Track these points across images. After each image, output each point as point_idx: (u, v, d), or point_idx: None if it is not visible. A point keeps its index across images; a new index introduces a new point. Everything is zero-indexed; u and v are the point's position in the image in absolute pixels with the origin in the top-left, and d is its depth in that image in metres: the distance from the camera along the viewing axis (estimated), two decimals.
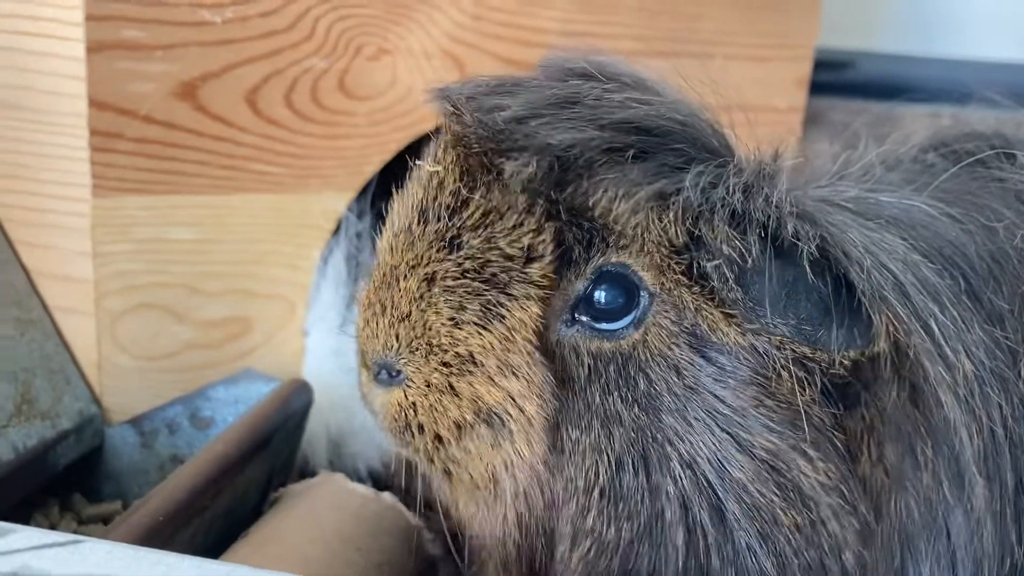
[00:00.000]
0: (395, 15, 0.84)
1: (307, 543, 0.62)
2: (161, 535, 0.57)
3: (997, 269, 0.46)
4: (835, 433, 0.44)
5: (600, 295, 0.46)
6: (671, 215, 0.44)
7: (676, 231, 0.44)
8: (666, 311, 0.45)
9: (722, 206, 0.43)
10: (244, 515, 0.70)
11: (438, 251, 0.47)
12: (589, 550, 0.44)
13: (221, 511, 0.66)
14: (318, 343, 0.87)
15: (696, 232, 0.44)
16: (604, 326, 0.46)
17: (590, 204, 0.45)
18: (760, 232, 0.43)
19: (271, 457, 0.71)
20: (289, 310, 0.86)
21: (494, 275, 0.46)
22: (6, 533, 0.42)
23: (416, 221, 0.47)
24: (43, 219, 0.77)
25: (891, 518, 0.43)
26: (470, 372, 0.46)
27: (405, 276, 0.47)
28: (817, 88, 1.46)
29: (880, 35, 1.54)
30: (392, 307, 0.47)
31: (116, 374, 0.79)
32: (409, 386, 0.47)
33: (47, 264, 0.78)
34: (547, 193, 0.45)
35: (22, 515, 0.73)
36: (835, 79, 1.48)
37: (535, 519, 0.46)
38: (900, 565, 0.43)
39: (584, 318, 0.46)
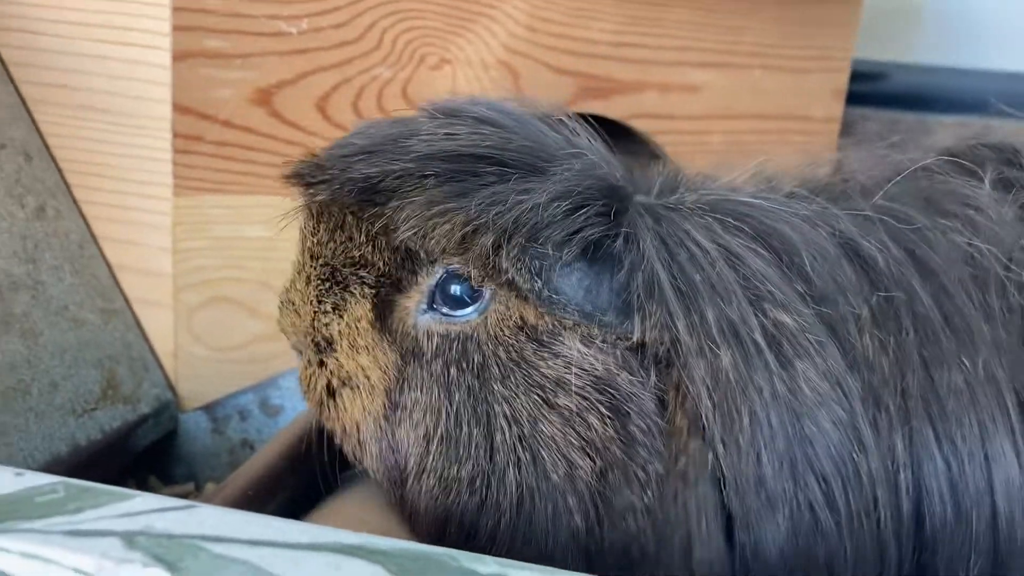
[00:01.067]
0: (456, 27, 0.88)
1: (364, 512, 0.66)
2: (248, 510, 0.61)
3: (836, 249, 0.53)
4: (643, 394, 0.52)
5: (448, 288, 0.55)
6: (450, 230, 0.52)
7: (460, 244, 0.52)
8: (500, 301, 0.54)
9: (504, 220, 0.51)
10: (315, 496, 0.73)
11: (310, 261, 0.58)
12: (434, 485, 0.55)
13: (296, 491, 0.70)
14: None
15: (482, 243, 0.51)
16: (452, 313, 0.55)
17: (392, 223, 0.53)
18: (542, 239, 0.50)
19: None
20: None
21: (339, 278, 0.57)
22: (129, 497, 0.46)
23: (302, 239, 0.59)
24: (126, 216, 0.81)
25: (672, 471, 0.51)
26: (332, 350, 0.58)
27: (297, 280, 0.60)
28: (851, 98, 1.49)
29: (914, 47, 1.57)
30: (287, 303, 0.60)
31: (191, 363, 0.83)
32: (304, 360, 0.60)
33: (129, 259, 0.82)
34: (359, 215, 0.55)
35: None
36: (869, 89, 1.50)
37: (386, 459, 0.57)
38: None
39: (438, 307, 0.55)
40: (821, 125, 1.18)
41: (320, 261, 0.58)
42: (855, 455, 0.49)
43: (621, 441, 0.52)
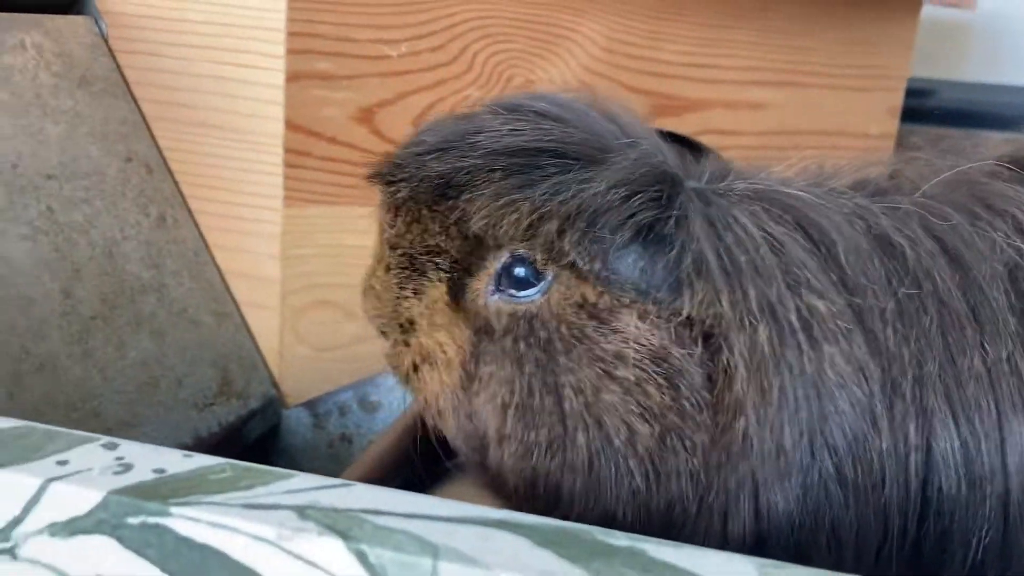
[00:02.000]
0: (540, 49, 0.93)
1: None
2: None
3: (867, 241, 0.56)
4: (695, 368, 0.56)
5: (513, 271, 0.59)
6: (517, 219, 0.56)
7: (541, 232, 0.55)
8: (561, 282, 0.58)
9: (563, 206, 0.55)
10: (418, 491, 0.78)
11: (388, 250, 0.63)
12: (516, 449, 0.59)
13: (400, 485, 0.75)
14: None
15: (545, 228, 0.55)
16: (517, 293, 0.59)
17: (464, 214, 0.58)
18: (600, 223, 0.54)
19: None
20: None
21: (416, 265, 0.62)
22: (290, 476, 0.51)
23: (380, 231, 0.64)
24: (238, 226, 0.86)
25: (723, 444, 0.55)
26: (414, 330, 0.63)
27: (377, 267, 0.65)
28: (904, 113, 1.53)
29: (961, 64, 1.60)
30: (371, 288, 0.65)
31: (294, 362, 0.89)
32: (389, 341, 0.65)
33: (239, 265, 0.87)
34: (434, 208, 0.59)
35: None
36: (917, 106, 1.53)
37: (464, 428, 0.62)
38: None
39: (504, 288, 0.59)
40: (877, 142, 1.22)
41: (399, 251, 0.62)
42: (869, 435, 0.53)
43: (675, 410, 0.56)
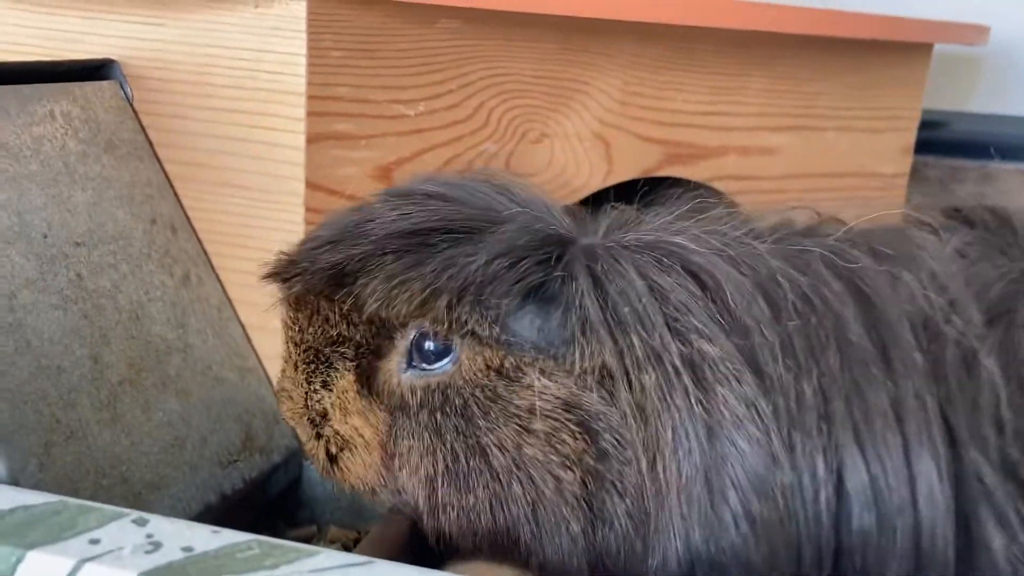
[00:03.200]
0: (554, 104, 0.94)
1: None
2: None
3: (754, 283, 0.58)
4: (604, 411, 0.58)
5: (422, 346, 0.61)
6: (410, 295, 0.58)
7: (419, 307, 0.58)
8: (467, 349, 0.60)
9: (455, 279, 0.57)
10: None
11: (294, 349, 0.65)
12: (457, 515, 0.61)
13: (425, 554, 0.75)
14: None
15: (438, 302, 0.58)
16: (429, 367, 0.62)
17: (360, 300, 0.60)
18: (492, 290, 0.57)
19: None
20: None
21: (322, 357, 0.64)
22: (314, 554, 0.52)
23: (285, 331, 0.66)
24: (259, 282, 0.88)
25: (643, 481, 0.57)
26: (328, 421, 0.65)
27: (287, 367, 0.66)
28: (918, 145, 1.53)
29: (972, 97, 1.60)
30: (283, 391, 0.67)
31: None
32: (304, 438, 0.67)
33: (262, 319, 0.89)
34: (332, 298, 0.62)
35: None
36: (930, 138, 1.54)
37: (396, 501, 0.64)
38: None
39: (416, 364, 0.62)
40: (890, 180, 1.23)
41: (303, 347, 0.64)
42: (770, 471, 0.55)
43: (593, 453, 0.58)
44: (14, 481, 0.61)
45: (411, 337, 0.62)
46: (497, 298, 0.57)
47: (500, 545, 0.62)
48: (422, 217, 0.61)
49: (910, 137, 1.23)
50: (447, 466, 0.61)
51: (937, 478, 0.55)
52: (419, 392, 0.62)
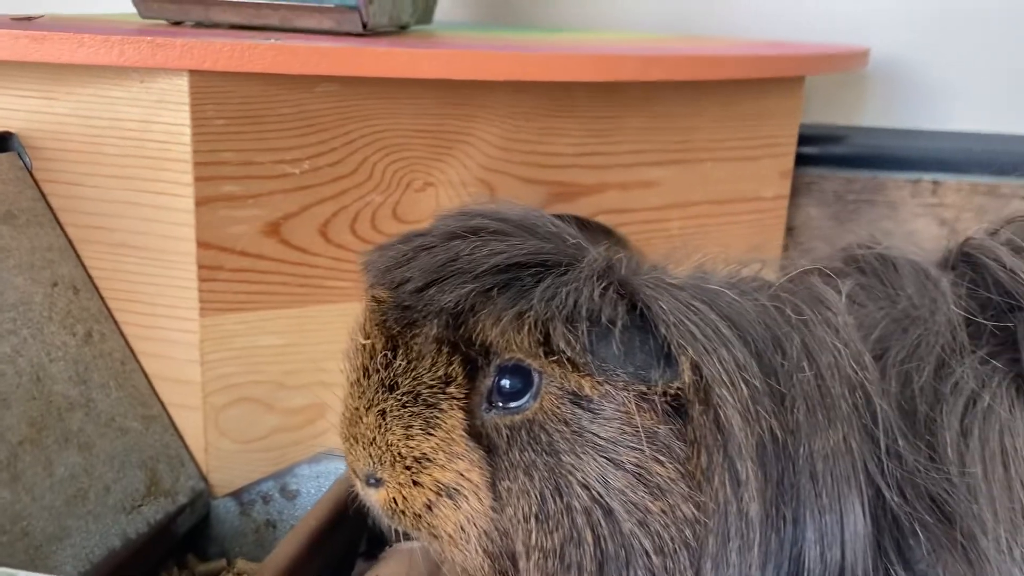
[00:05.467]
0: (436, 154, 1.00)
1: None
2: None
3: (767, 331, 0.62)
4: (676, 442, 0.61)
5: (504, 384, 0.62)
6: (527, 327, 0.59)
7: (534, 336, 0.59)
8: (551, 382, 0.61)
9: (559, 308, 0.59)
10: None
11: (382, 393, 0.63)
12: (539, 558, 0.61)
13: (319, 566, 0.81)
14: None
15: (547, 330, 0.59)
16: (511, 405, 0.62)
17: (476, 334, 0.61)
18: (589, 317, 0.59)
19: (351, 526, 0.86)
20: None
21: (426, 399, 0.63)
22: None
23: (363, 375, 0.65)
24: (160, 335, 0.93)
25: (706, 510, 0.59)
26: (427, 466, 0.63)
27: (365, 414, 0.64)
28: (811, 160, 1.60)
29: (865, 112, 1.67)
30: (362, 436, 0.64)
31: (219, 456, 0.95)
32: (389, 486, 0.64)
33: (163, 369, 0.94)
34: (448, 338, 0.62)
35: (150, 574, 0.89)
36: (827, 152, 1.61)
37: (496, 548, 0.63)
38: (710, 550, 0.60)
39: (497, 403, 0.62)
40: (771, 203, 1.29)
41: (401, 390, 0.63)
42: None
43: (674, 482, 0.60)
44: None
45: (492, 377, 0.62)
46: (592, 323, 0.59)
47: None
48: (511, 253, 0.62)
49: (788, 162, 1.29)
50: (538, 507, 0.61)
51: (862, 515, 0.59)
52: (504, 431, 0.62)
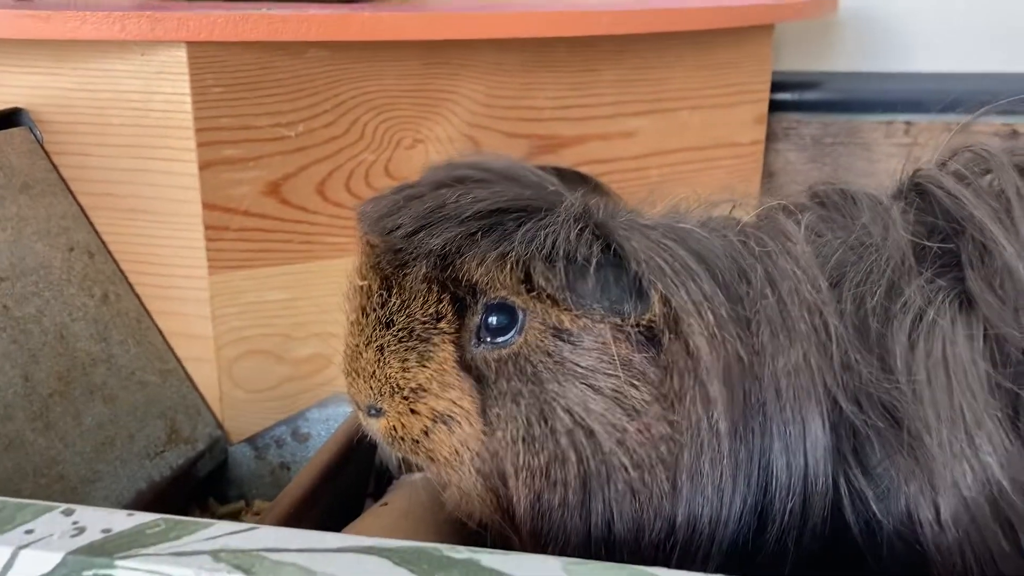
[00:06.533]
0: (424, 112, 1.05)
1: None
2: (293, 525, 0.78)
3: (734, 263, 0.66)
4: (650, 368, 0.65)
5: (491, 321, 0.67)
6: (509, 266, 0.64)
7: (516, 275, 0.65)
8: (534, 318, 0.66)
9: (539, 249, 0.64)
10: (343, 513, 0.91)
11: (380, 330, 0.68)
12: (527, 476, 0.66)
13: (327, 509, 0.87)
14: None
15: (528, 269, 0.64)
16: (499, 339, 0.67)
17: (464, 274, 0.66)
18: (566, 256, 0.63)
19: (361, 462, 0.93)
20: None
21: (419, 334, 0.68)
22: (209, 525, 0.63)
23: (361, 314, 0.70)
24: (172, 294, 0.98)
25: (679, 428, 0.64)
26: (423, 395, 0.68)
27: (364, 350, 0.69)
28: (788, 106, 1.65)
29: (838, 57, 1.71)
30: (363, 370, 0.69)
31: (234, 405, 1.01)
32: (388, 415, 0.69)
33: (177, 326, 1.00)
34: (437, 277, 0.67)
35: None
36: (803, 98, 1.66)
37: (488, 468, 0.68)
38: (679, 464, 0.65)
39: (486, 338, 0.67)
40: (747, 148, 1.34)
41: (397, 327, 0.68)
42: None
43: (648, 404, 0.65)
44: None
45: (479, 315, 0.67)
46: (570, 262, 0.63)
47: (551, 511, 0.66)
48: (494, 200, 0.66)
49: (762, 108, 1.34)
50: (525, 431, 0.65)
51: (821, 425, 0.64)
52: (493, 364, 0.67)
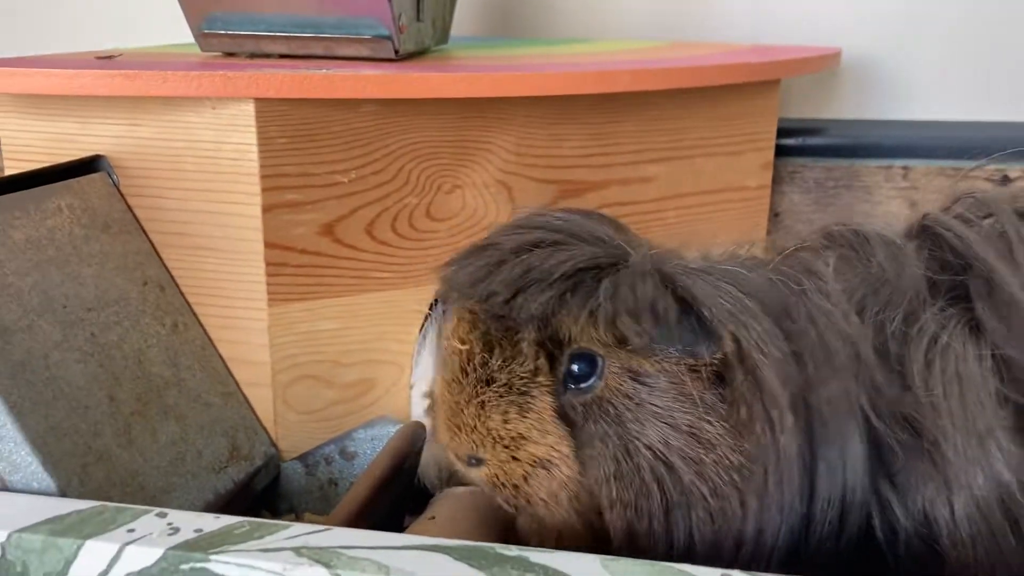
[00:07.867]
0: (462, 160, 1.14)
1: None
2: None
3: (779, 302, 0.72)
4: (719, 403, 0.71)
5: (575, 369, 0.72)
6: (600, 322, 0.70)
7: (607, 329, 0.71)
8: (613, 364, 0.72)
9: (623, 304, 0.70)
10: (390, 526, 0.99)
11: (480, 387, 0.74)
12: (620, 509, 0.71)
13: (376, 522, 0.95)
14: (420, 394, 1.17)
15: (616, 323, 0.70)
16: (582, 385, 0.72)
17: (558, 332, 0.72)
18: (651, 308, 0.69)
19: (405, 478, 1.01)
20: (400, 371, 1.15)
21: (519, 388, 0.73)
22: (288, 526, 0.72)
23: (461, 374, 0.75)
24: (234, 323, 1.06)
25: (748, 455, 0.70)
26: (523, 443, 0.73)
27: (465, 407, 0.75)
28: (793, 151, 1.73)
29: (841, 106, 1.80)
30: (464, 426, 0.75)
31: (287, 425, 1.09)
32: (490, 464, 0.75)
33: (238, 353, 1.08)
34: (536, 338, 0.73)
35: None
36: (807, 144, 1.74)
37: (584, 507, 0.74)
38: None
39: (571, 385, 0.73)
40: (756, 192, 1.43)
41: (498, 383, 0.73)
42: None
43: (719, 436, 0.69)
44: (63, 494, 0.81)
45: (565, 364, 0.72)
46: (651, 312, 0.69)
47: (640, 538, 0.70)
48: (574, 261, 0.72)
49: (768, 155, 1.43)
50: (613, 470, 0.70)
51: (859, 442, 0.70)
52: (579, 408, 0.72)
